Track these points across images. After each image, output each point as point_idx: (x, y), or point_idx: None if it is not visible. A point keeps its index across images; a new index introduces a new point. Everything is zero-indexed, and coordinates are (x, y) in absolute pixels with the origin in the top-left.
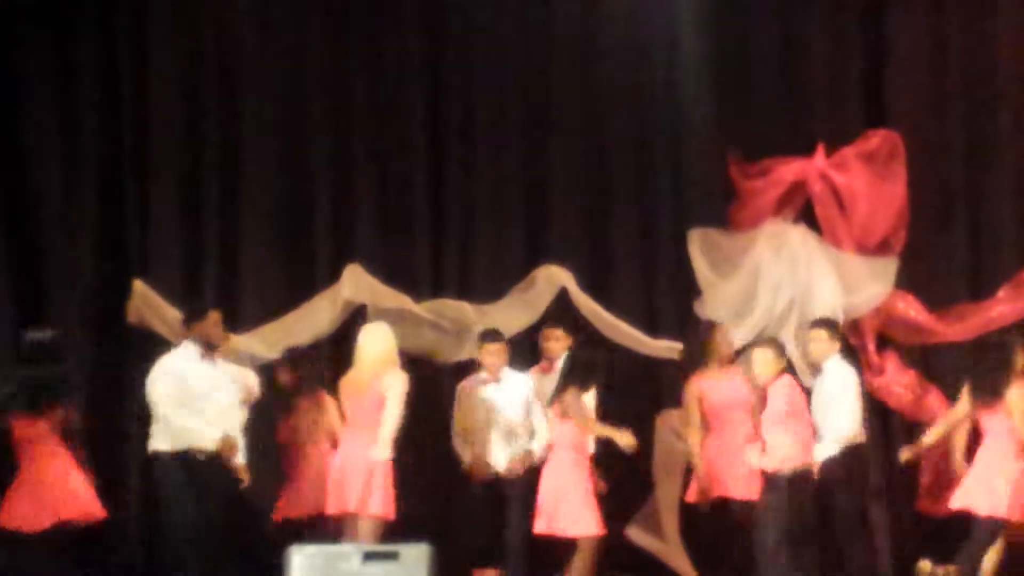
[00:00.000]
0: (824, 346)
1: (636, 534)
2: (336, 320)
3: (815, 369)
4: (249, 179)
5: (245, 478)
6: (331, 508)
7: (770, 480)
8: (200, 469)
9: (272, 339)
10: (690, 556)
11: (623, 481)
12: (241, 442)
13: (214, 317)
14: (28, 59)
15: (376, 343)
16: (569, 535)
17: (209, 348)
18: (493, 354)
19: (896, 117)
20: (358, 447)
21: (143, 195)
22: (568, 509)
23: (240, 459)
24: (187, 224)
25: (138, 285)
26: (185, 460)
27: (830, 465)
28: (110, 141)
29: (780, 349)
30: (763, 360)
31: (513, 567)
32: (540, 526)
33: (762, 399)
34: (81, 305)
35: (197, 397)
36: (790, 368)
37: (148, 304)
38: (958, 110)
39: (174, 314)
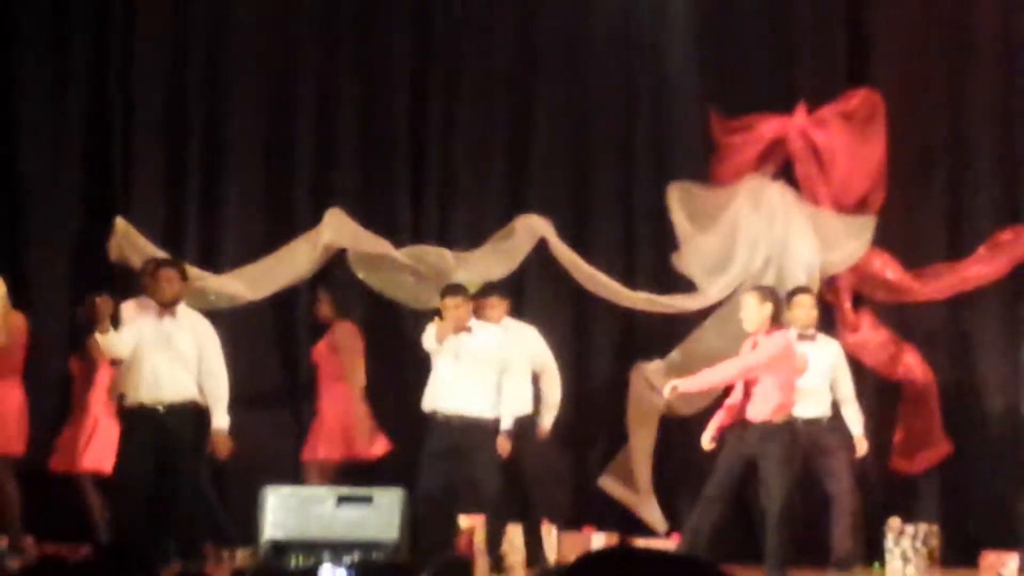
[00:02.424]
0: (814, 312)
1: (609, 484)
2: (316, 263)
3: (802, 335)
4: (232, 121)
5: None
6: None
7: (766, 430)
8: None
9: (252, 281)
10: (662, 507)
11: (596, 432)
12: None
13: (165, 274)
14: (19, 7)
15: None
16: None
17: (164, 306)
18: (451, 308)
19: (877, 76)
20: None
21: (127, 135)
22: None
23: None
24: (170, 164)
25: (120, 223)
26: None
27: (830, 425)
28: (95, 83)
29: (766, 294)
30: (749, 306)
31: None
32: None
33: (752, 346)
34: (64, 244)
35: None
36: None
37: (130, 242)
38: (939, 70)
39: (154, 252)
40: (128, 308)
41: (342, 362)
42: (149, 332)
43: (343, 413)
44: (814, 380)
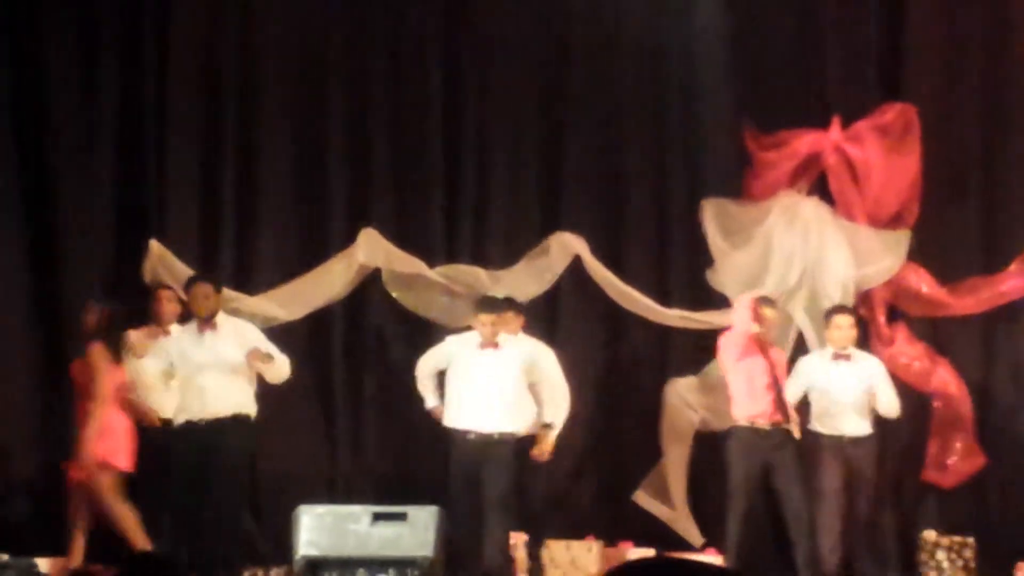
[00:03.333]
0: (852, 333)
1: (644, 500)
2: (351, 284)
3: (838, 355)
4: (266, 141)
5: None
6: None
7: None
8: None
9: (287, 301)
10: (697, 521)
11: (631, 448)
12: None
13: (196, 290)
14: (51, 15)
15: None
16: None
17: (204, 321)
18: (485, 324)
19: (911, 91)
20: None
21: (160, 156)
22: None
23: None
24: (204, 186)
25: (154, 245)
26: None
27: (870, 440)
28: (129, 102)
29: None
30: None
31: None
32: None
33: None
34: (98, 266)
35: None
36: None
37: (164, 264)
38: (973, 84)
39: (190, 274)
40: (137, 337)
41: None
42: (192, 351)
43: (95, 429)
44: (847, 398)
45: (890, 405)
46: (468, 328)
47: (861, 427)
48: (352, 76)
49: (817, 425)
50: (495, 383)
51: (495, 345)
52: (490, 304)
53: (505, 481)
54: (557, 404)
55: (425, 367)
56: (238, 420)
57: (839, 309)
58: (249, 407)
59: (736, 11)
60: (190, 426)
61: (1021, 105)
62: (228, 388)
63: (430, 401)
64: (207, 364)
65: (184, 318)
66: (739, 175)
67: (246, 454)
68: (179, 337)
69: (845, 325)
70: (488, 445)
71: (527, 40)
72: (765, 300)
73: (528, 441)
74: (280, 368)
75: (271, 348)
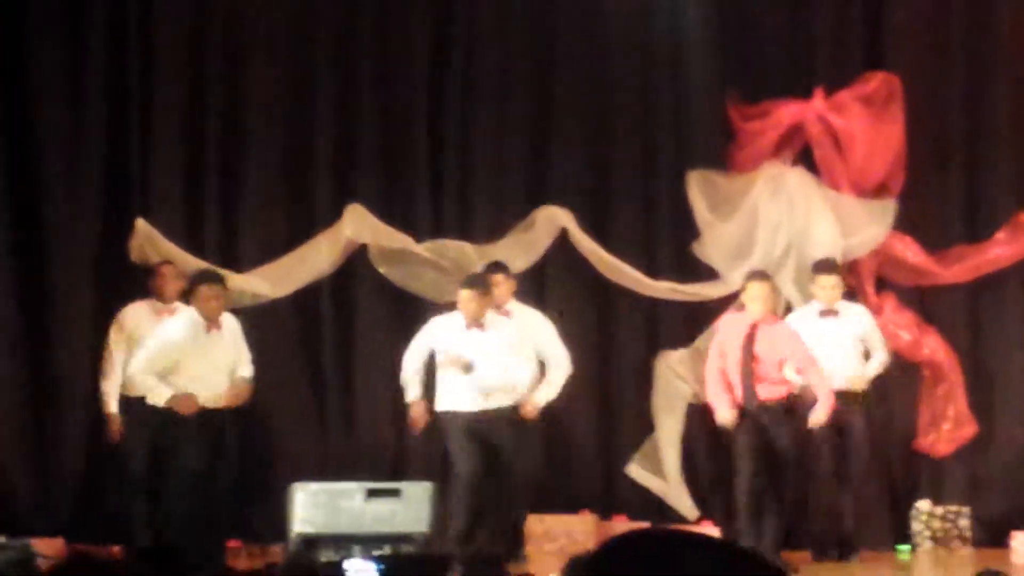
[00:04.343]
0: (836, 292)
1: (637, 473)
2: (337, 260)
3: (826, 312)
4: (250, 119)
5: None
6: None
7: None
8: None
9: (274, 278)
10: (690, 494)
11: (623, 421)
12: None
13: (211, 291)
14: (36, 13)
15: None
16: None
17: (212, 321)
18: (466, 301)
19: (895, 59)
20: None
21: (145, 135)
22: None
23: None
24: (189, 164)
25: (141, 224)
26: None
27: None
28: (113, 85)
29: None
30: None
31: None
32: None
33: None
34: (84, 245)
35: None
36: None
37: (151, 243)
38: (956, 52)
39: (176, 252)
40: (137, 312)
41: None
42: (193, 343)
43: None
44: (836, 353)
45: (878, 360)
46: (455, 304)
47: (847, 383)
48: (338, 53)
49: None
50: (484, 365)
51: (480, 326)
52: (470, 280)
53: (510, 454)
54: (556, 364)
55: (411, 362)
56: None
57: (822, 269)
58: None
59: None
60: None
61: (1004, 73)
62: (219, 384)
63: (410, 394)
64: (211, 362)
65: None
66: (724, 146)
67: (229, 438)
68: (185, 327)
69: (828, 286)
70: (487, 421)
71: (513, 16)
72: (755, 275)
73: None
74: (244, 393)
75: (247, 361)
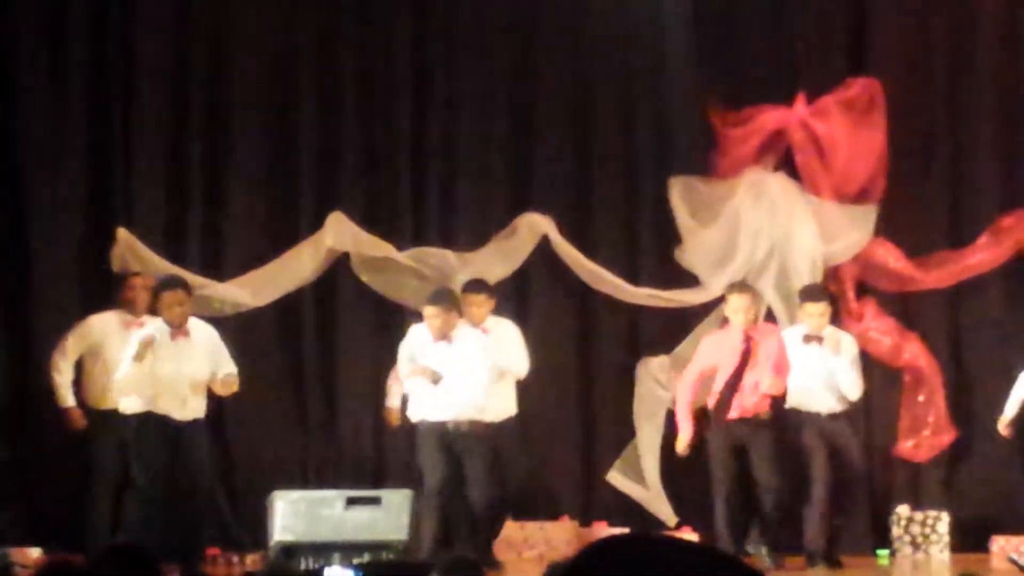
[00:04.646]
0: (823, 320)
1: (618, 480)
2: (319, 268)
3: (810, 337)
4: (234, 126)
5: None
6: None
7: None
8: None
9: (256, 287)
10: (670, 500)
11: (604, 427)
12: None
13: (168, 298)
14: (19, 14)
15: None
16: None
17: (176, 327)
18: (430, 318)
19: (876, 65)
20: None
21: (128, 143)
22: None
23: None
24: (171, 173)
25: (122, 233)
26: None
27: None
28: (96, 91)
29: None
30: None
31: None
32: None
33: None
34: (65, 254)
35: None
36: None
37: (133, 252)
38: (938, 58)
39: (158, 262)
40: (104, 322)
41: None
42: (163, 350)
43: None
44: (818, 379)
45: (849, 386)
46: None
47: (837, 405)
48: (320, 61)
49: (794, 402)
50: (450, 376)
51: (447, 339)
52: (436, 297)
53: (479, 470)
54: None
55: (400, 369)
56: (197, 424)
57: (810, 296)
58: (202, 412)
59: None
60: (155, 418)
61: (986, 78)
62: (193, 397)
63: (388, 400)
64: (178, 373)
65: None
66: (706, 153)
67: (204, 446)
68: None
69: (816, 313)
70: (458, 436)
71: (494, 21)
72: (736, 287)
73: (502, 428)
74: (233, 385)
75: (228, 362)
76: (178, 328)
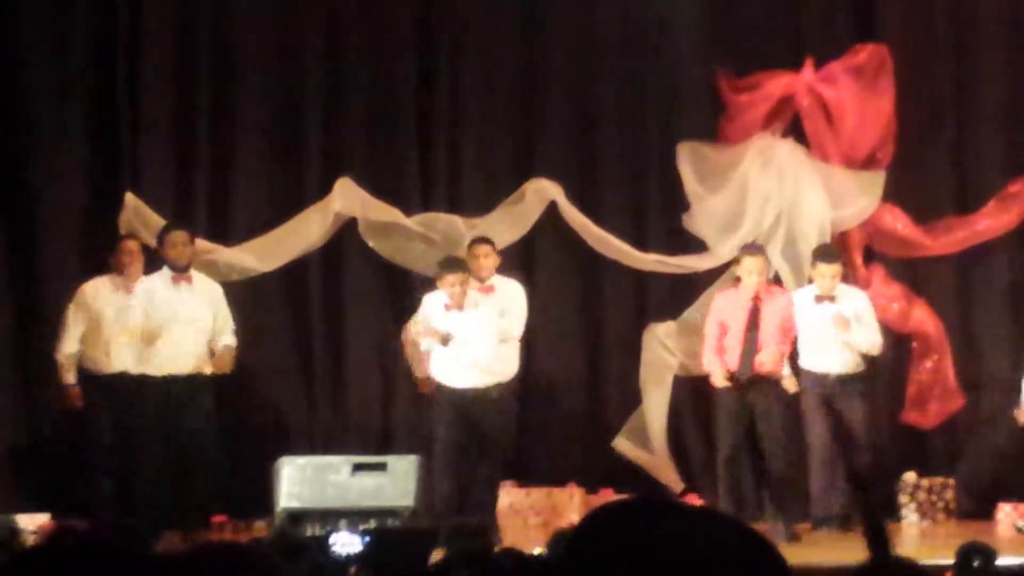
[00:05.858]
0: (836, 281)
1: (624, 446)
2: (327, 233)
3: (822, 297)
4: (240, 92)
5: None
6: None
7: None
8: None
9: (263, 252)
10: (677, 467)
11: (611, 394)
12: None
13: (174, 237)
14: None
15: None
16: None
17: (177, 270)
18: (454, 284)
19: (885, 30)
20: None
21: (135, 108)
22: None
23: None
24: (178, 138)
25: (130, 198)
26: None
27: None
28: (103, 53)
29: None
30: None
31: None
32: None
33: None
34: (73, 219)
35: (162, 323)
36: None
37: (140, 217)
38: (947, 23)
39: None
40: (96, 287)
41: None
42: (163, 302)
43: None
44: (830, 337)
45: (869, 342)
46: None
47: (848, 364)
48: (327, 26)
49: (803, 363)
50: (462, 344)
51: (460, 307)
52: (454, 264)
53: (499, 429)
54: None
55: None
56: (198, 378)
57: (824, 256)
58: (205, 367)
59: None
60: (155, 381)
61: (994, 44)
62: (196, 345)
63: (418, 371)
64: (180, 319)
65: (149, 270)
66: (714, 118)
67: (209, 410)
68: (152, 287)
69: (828, 275)
70: (470, 398)
71: None
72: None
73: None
74: (229, 363)
75: (230, 328)
76: (182, 271)
